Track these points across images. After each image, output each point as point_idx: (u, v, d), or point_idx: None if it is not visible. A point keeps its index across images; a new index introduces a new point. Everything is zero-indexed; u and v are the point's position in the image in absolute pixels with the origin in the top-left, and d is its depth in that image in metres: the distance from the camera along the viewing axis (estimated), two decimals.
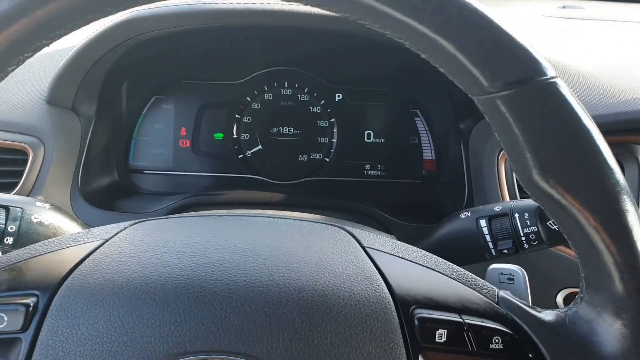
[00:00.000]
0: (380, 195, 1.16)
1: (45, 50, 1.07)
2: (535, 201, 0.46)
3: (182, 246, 0.52)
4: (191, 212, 0.65)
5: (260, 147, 1.17)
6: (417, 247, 0.67)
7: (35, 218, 0.70)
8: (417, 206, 1.14)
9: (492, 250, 0.69)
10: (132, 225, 0.57)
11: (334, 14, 0.46)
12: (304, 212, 0.96)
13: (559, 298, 0.91)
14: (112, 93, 1.07)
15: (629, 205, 0.43)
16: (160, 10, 0.89)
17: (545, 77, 0.43)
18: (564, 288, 0.91)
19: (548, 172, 0.43)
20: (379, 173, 1.18)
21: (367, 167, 1.18)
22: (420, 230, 0.97)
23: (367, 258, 0.52)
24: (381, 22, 0.44)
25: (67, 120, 1.00)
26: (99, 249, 0.52)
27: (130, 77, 1.11)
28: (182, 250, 0.51)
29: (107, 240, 0.54)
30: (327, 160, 1.17)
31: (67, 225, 0.73)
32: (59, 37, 0.46)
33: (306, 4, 0.46)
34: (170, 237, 0.53)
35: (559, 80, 0.44)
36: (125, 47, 0.95)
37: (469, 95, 0.46)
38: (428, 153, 1.17)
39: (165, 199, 1.09)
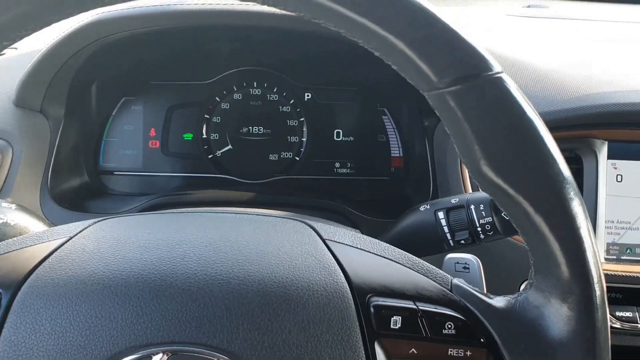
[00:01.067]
0: (350, 192, 1.18)
1: (12, 52, 1.07)
2: (485, 192, 0.48)
3: (145, 242, 0.53)
4: (155, 211, 0.66)
5: (230, 146, 1.18)
6: (379, 239, 0.69)
7: (0, 219, 0.70)
8: (385, 202, 1.16)
9: (450, 241, 0.71)
10: (96, 222, 0.58)
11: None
12: (274, 210, 0.97)
13: (524, 286, 0.93)
14: (80, 95, 1.08)
15: (572, 194, 0.45)
16: (125, 12, 0.90)
17: (491, 73, 0.45)
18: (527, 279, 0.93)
19: (495, 163, 0.45)
20: (348, 171, 1.20)
21: (337, 165, 1.20)
22: (388, 225, 0.99)
23: (326, 250, 0.54)
24: (334, 21, 0.46)
25: (36, 122, 1.00)
26: (62, 247, 0.53)
27: (98, 79, 1.11)
28: (144, 245, 0.52)
29: (70, 238, 0.54)
30: (298, 159, 1.19)
31: (34, 226, 0.73)
32: (20, 38, 0.47)
33: (262, 3, 0.47)
34: (133, 234, 0.54)
35: (504, 76, 0.46)
36: (92, 49, 0.96)
37: (420, 91, 0.48)
38: (396, 150, 1.19)
39: (136, 199, 1.09)
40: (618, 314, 0.93)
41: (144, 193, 1.13)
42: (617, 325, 0.92)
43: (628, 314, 0.93)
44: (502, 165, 0.45)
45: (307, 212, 1.04)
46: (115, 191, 1.16)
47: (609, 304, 0.93)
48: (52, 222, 0.98)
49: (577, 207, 0.45)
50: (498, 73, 0.45)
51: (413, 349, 0.49)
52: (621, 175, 0.95)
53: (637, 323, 0.92)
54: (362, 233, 1.03)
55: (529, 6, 1.48)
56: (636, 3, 1.60)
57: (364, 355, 0.48)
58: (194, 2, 0.91)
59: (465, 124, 0.46)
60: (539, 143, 0.45)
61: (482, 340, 0.49)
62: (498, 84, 0.45)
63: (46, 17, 0.45)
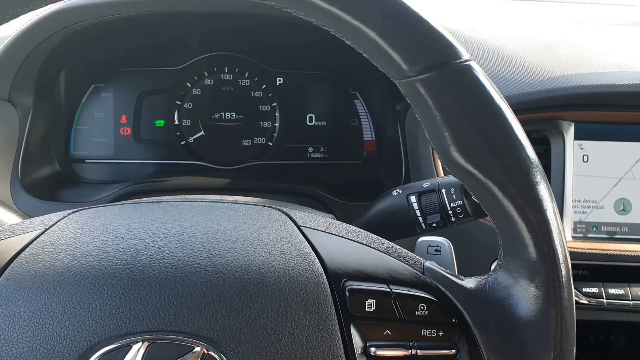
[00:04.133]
0: (324, 176, 1.19)
1: None
2: (455, 177, 0.50)
3: (120, 232, 0.53)
4: (130, 200, 0.66)
5: (202, 132, 1.17)
6: (353, 224, 0.70)
7: None
8: (358, 186, 1.17)
9: (422, 225, 0.73)
10: (71, 213, 0.58)
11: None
12: (248, 196, 0.98)
13: (494, 267, 0.96)
14: (49, 83, 1.06)
15: (538, 178, 0.47)
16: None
17: (460, 61, 0.46)
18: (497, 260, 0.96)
19: (464, 149, 0.47)
20: (321, 155, 1.20)
21: (310, 149, 1.20)
22: (361, 209, 1.00)
23: (302, 236, 0.54)
24: (304, 10, 0.47)
25: (4, 111, 0.98)
26: (38, 238, 0.53)
27: (67, 66, 1.09)
28: (120, 236, 0.52)
29: (46, 230, 0.54)
30: (271, 144, 1.19)
31: (7, 218, 0.73)
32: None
33: None
34: (109, 224, 0.54)
35: (472, 63, 0.47)
36: (60, 37, 0.94)
37: (391, 79, 0.49)
38: (368, 134, 1.20)
39: (108, 187, 1.09)
40: (584, 290, 0.95)
41: (116, 181, 1.13)
42: (584, 300, 0.95)
43: (594, 290, 0.95)
44: (471, 151, 0.47)
45: (281, 198, 1.05)
46: (87, 179, 1.15)
47: (576, 280, 0.97)
48: (24, 212, 0.97)
49: (544, 191, 0.47)
50: (467, 61, 0.47)
51: (387, 331, 0.50)
52: (587, 156, 0.97)
53: (603, 298, 0.95)
54: (336, 217, 1.05)
55: None
56: None
57: (340, 338, 0.49)
58: None
59: (435, 111, 0.47)
60: (506, 129, 0.47)
61: (454, 320, 0.51)
62: (467, 72, 0.46)
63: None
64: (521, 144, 0.47)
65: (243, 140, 1.18)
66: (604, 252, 0.95)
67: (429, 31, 0.46)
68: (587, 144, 0.98)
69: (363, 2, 0.45)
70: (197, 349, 0.46)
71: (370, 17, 0.45)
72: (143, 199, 0.68)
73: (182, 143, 1.17)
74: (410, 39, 0.45)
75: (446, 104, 0.46)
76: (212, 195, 0.69)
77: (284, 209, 0.59)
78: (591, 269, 0.96)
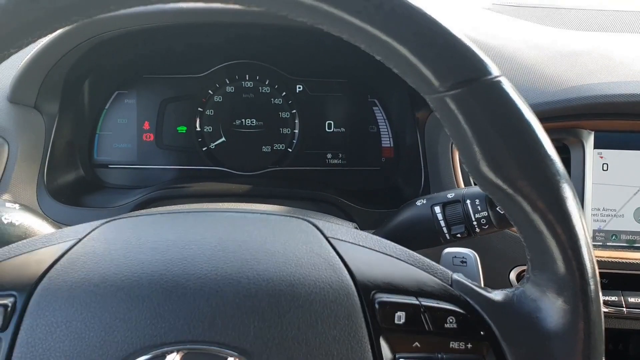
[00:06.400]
0: (342, 182, 1.20)
1: None
2: (484, 191, 0.50)
3: (154, 243, 0.54)
4: (160, 208, 0.67)
5: (223, 139, 1.19)
6: (377, 233, 0.71)
7: (5, 219, 0.71)
8: (376, 192, 1.18)
9: (447, 235, 0.74)
10: (104, 223, 0.59)
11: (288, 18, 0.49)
12: (269, 202, 0.99)
13: (512, 275, 0.96)
14: (74, 90, 1.08)
15: (568, 193, 0.47)
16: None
17: (490, 77, 0.47)
18: (517, 266, 0.96)
19: (494, 164, 0.47)
20: (340, 161, 1.22)
21: (329, 156, 1.21)
22: (380, 215, 1.01)
23: (330, 248, 0.55)
24: (336, 27, 0.47)
25: (31, 118, 1.00)
26: (72, 249, 0.54)
27: (92, 74, 1.11)
28: (154, 247, 0.53)
29: (80, 240, 0.56)
30: (290, 150, 1.20)
31: (38, 225, 0.74)
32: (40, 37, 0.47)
33: (257, 6, 0.48)
34: (142, 235, 0.56)
35: (503, 79, 0.47)
36: (87, 46, 0.96)
37: (421, 94, 0.49)
38: (387, 141, 1.21)
39: (131, 192, 1.10)
40: (604, 298, 0.95)
41: (139, 186, 1.15)
42: (603, 309, 0.95)
43: (613, 298, 0.96)
44: (501, 166, 0.47)
45: (301, 204, 1.06)
46: (111, 185, 1.17)
47: None
48: (49, 217, 0.98)
49: (573, 206, 0.47)
50: (497, 77, 0.47)
51: (416, 343, 0.51)
52: (607, 164, 0.98)
53: (622, 307, 0.95)
54: (355, 223, 1.06)
55: None
56: None
57: (369, 350, 0.50)
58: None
59: (465, 126, 0.47)
60: (536, 144, 0.47)
61: (482, 333, 0.51)
62: (497, 88, 0.47)
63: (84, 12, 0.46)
64: (551, 160, 0.47)
65: (263, 147, 1.20)
66: (623, 260, 0.96)
67: (459, 47, 0.46)
68: (606, 152, 0.98)
69: (394, 18, 0.45)
70: (231, 359, 0.47)
71: (401, 33, 0.46)
72: (173, 206, 0.69)
73: (204, 149, 1.19)
74: (441, 54, 0.46)
75: (476, 119, 0.47)
76: (239, 204, 0.70)
77: (311, 219, 0.60)
78: (610, 278, 0.96)
